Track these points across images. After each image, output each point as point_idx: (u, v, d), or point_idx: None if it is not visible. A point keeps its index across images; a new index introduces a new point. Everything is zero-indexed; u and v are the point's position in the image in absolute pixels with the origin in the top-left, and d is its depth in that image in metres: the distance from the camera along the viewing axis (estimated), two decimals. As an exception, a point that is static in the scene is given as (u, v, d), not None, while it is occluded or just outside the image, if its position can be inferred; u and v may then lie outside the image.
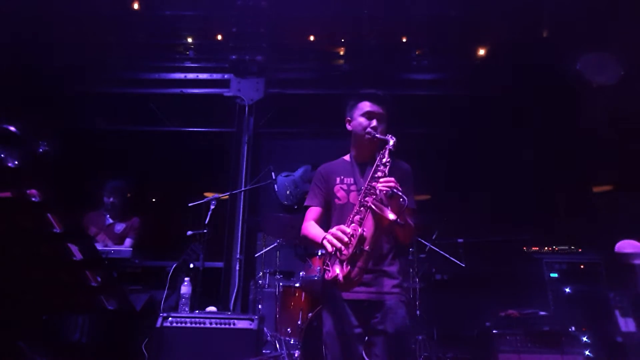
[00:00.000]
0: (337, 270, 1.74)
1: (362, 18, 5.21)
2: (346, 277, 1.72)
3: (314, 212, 2.19)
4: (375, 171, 1.96)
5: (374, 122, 2.13)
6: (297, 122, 5.76)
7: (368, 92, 2.20)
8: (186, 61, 5.66)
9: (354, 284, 1.77)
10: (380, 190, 1.81)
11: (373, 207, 1.73)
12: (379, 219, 1.72)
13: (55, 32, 5.02)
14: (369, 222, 1.75)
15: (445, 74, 5.62)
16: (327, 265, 1.83)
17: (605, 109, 4.87)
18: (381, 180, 1.85)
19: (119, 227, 4.26)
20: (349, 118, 2.24)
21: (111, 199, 4.24)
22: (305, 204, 2.24)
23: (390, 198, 1.79)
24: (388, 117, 2.20)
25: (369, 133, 2.11)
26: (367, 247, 1.73)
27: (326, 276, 1.83)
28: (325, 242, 1.83)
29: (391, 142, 2.01)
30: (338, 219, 2.08)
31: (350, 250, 1.72)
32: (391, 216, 1.70)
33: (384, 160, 1.96)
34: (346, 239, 1.76)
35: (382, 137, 2.07)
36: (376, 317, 1.99)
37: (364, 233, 1.73)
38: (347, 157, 2.30)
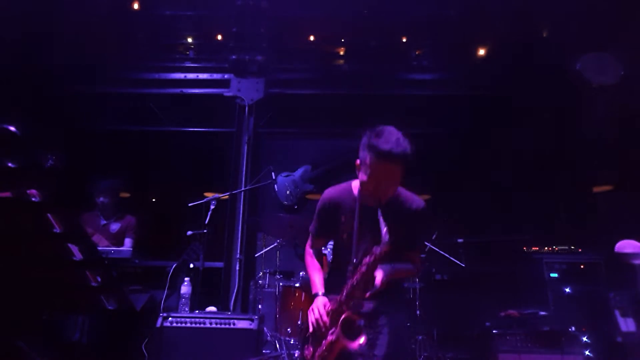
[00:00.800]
0: (311, 354, 1.96)
1: (362, 18, 5.20)
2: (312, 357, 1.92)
3: (317, 242, 2.25)
4: (358, 279, 1.83)
5: (381, 190, 1.87)
6: (297, 122, 5.76)
7: (380, 150, 1.79)
8: (186, 61, 5.66)
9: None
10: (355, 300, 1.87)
11: (339, 338, 1.80)
12: (342, 345, 1.81)
13: (56, 32, 5.02)
14: (339, 333, 1.82)
15: (445, 74, 5.61)
16: (307, 342, 2.04)
17: (605, 109, 4.87)
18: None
19: (114, 226, 4.25)
20: (358, 162, 1.94)
21: (102, 199, 4.23)
22: (310, 229, 2.23)
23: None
24: (402, 171, 1.88)
25: (369, 196, 1.91)
26: (333, 351, 1.85)
27: (303, 354, 2.04)
28: (308, 314, 1.97)
29: (378, 252, 1.75)
30: (344, 254, 2.04)
31: (322, 348, 1.88)
32: (355, 344, 1.79)
33: (363, 269, 1.80)
34: (322, 330, 1.89)
35: (382, 225, 1.79)
36: (375, 316, 1.99)
37: (333, 339, 1.84)
38: (354, 189, 2.07)
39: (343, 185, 2.14)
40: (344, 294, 1.86)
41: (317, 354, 1.90)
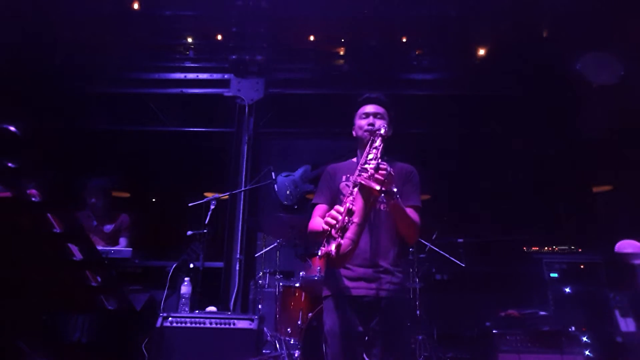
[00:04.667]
0: (332, 245, 1.74)
1: (362, 18, 5.20)
2: (337, 249, 1.71)
3: (320, 209, 2.22)
4: (368, 153, 2.00)
5: (370, 119, 2.21)
6: (297, 122, 5.76)
7: (364, 97, 2.30)
8: (186, 61, 5.66)
9: (346, 257, 1.77)
10: (369, 167, 1.86)
11: (361, 181, 1.80)
12: (366, 191, 1.79)
13: (56, 32, 5.02)
14: (358, 196, 1.82)
15: (445, 74, 5.62)
16: (324, 245, 1.81)
17: (605, 109, 4.87)
18: (370, 161, 1.92)
19: (108, 227, 4.19)
20: (353, 126, 2.32)
21: (92, 200, 4.12)
22: (313, 201, 2.28)
23: (377, 171, 1.84)
24: (390, 117, 2.28)
25: (367, 130, 2.17)
26: (356, 219, 1.77)
27: (320, 252, 1.81)
28: (323, 224, 1.85)
29: (382, 130, 2.04)
30: None
31: (340, 223, 1.75)
32: (377, 187, 1.77)
33: (376, 143, 2.01)
34: (339, 216, 1.79)
35: (378, 130, 2.08)
36: (376, 316, 1.99)
37: (353, 207, 1.79)
38: (354, 159, 2.33)
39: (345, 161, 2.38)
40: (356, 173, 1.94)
41: (337, 236, 1.74)
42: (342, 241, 1.73)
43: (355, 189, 1.84)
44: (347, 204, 1.80)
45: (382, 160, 1.91)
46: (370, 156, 1.97)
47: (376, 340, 1.99)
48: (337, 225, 1.76)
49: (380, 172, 1.84)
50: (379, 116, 2.24)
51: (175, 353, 3.06)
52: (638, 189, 4.68)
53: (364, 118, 2.25)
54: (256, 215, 5.17)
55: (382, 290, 2.02)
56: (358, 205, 1.80)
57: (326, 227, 1.80)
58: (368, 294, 2.01)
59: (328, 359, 2.03)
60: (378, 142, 2.01)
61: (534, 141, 5.46)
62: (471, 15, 5.09)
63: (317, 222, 2.12)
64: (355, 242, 1.77)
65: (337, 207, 1.85)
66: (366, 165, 1.90)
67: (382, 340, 1.97)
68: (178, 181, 5.87)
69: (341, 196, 2.00)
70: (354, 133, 2.32)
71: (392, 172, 1.87)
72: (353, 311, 2.01)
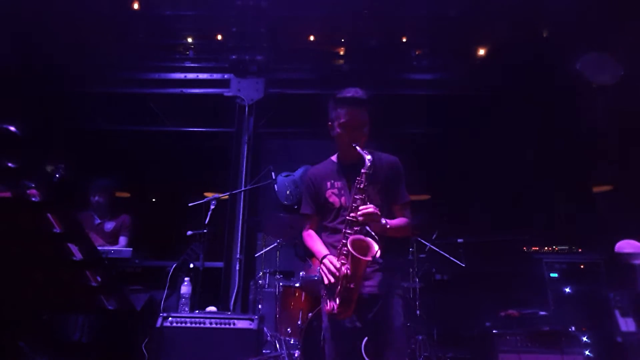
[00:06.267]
0: (333, 305, 1.96)
1: (362, 18, 5.20)
2: (339, 310, 1.93)
3: (310, 220, 2.28)
4: (354, 200, 2.01)
5: (352, 134, 2.11)
6: (297, 122, 5.76)
7: (344, 97, 2.14)
8: (186, 61, 5.65)
9: (348, 314, 1.94)
10: (361, 218, 1.93)
11: (352, 251, 1.86)
12: (357, 262, 1.87)
13: (56, 32, 5.02)
14: (352, 263, 1.89)
15: (445, 74, 5.61)
16: (324, 297, 2.07)
17: (605, 109, 4.87)
18: (360, 208, 1.94)
19: (109, 225, 4.25)
20: (330, 123, 2.23)
21: (97, 198, 4.23)
22: (301, 212, 2.29)
23: (371, 222, 1.95)
24: (369, 116, 2.17)
25: (350, 146, 2.10)
26: (352, 285, 1.90)
27: (323, 309, 2.06)
28: (321, 272, 2.02)
29: (367, 164, 2.00)
30: (333, 221, 2.17)
31: (339, 287, 1.92)
32: (369, 257, 1.86)
33: (361, 186, 2.00)
34: (337, 274, 1.93)
35: (362, 152, 2.04)
36: (373, 313, 2.01)
37: (348, 272, 1.89)
38: (334, 158, 2.31)
39: (322, 162, 2.35)
40: (344, 226, 2.01)
41: (337, 297, 1.93)
42: (343, 303, 1.92)
43: (349, 254, 1.88)
44: (344, 270, 1.91)
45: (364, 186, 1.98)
46: (358, 202, 1.99)
47: (373, 336, 2.02)
48: (335, 290, 1.94)
49: (374, 222, 1.93)
50: (361, 126, 2.13)
51: (175, 353, 3.06)
52: (638, 189, 4.68)
53: (345, 129, 2.12)
54: (256, 215, 5.17)
55: (378, 288, 2.04)
56: (351, 272, 1.89)
57: (326, 281, 1.98)
58: (367, 292, 2.02)
59: (327, 356, 2.05)
60: (363, 184, 1.99)
61: (533, 141, 5.46)
62: (471, 15, 5.08)
63: (313, 241, 2.23)
64: (353, 301, 1.92)
65: (334, 262, 1.97)
66: (354, 214, 1.96)
67: (380, 336, 1.99)
68: (178, 181, 5.86)
69: (339, 246, 2.02)
70: (331, 131, 2.22)
71: (379, 213, 1.94)
72: None
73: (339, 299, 1.91)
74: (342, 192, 2.17)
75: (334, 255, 2.03)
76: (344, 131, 2.12)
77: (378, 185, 2.10)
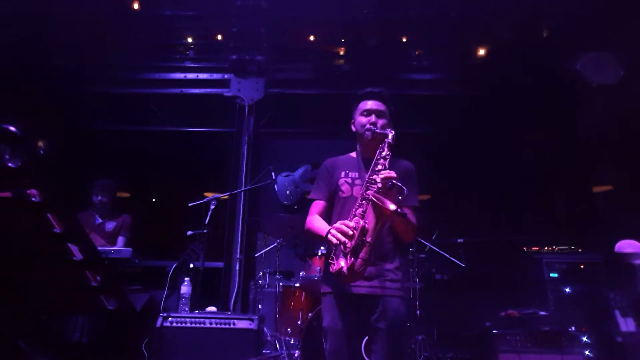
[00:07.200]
0: (342, 263, 1.79)
1: (362, 18, 5.19)
2: (350, 269, 1.77)
3: (318, 205, 2.21)
4: (375, 164, 2.00)
5: (373, 118, 2.17)
6: (297, 122, 5.76)
7: (365, 91, 2.26)
8: (186, 61, 5.66)
9: (358, 275, 1.81)
10: (380, 182, 1.84)
11: (374, 199, 1.77)
12: (379, 210, 1.75)
13: (56, 32, 5.02)
14: (371, 214, 1.79)
15: (445, 74, 5.61)
16: (332, 259, 1.88)
17: (605, 109, 4.87)
18: (381, 172, 1.90)
19: (110, 225, 4.26)
20: (352, 120, 2.30)
21: (99, 198, 4.23)
22: (310, 196, 2.26)
23: (389, 189, 1.82)
24: (390, 113, 2.25)
25: (368, 129, 2.14)
26: (369, 239, 1.76)
27: (331, 269, 1.87)
28: (329, 236, 1.89)
29: (390, 136, 2.04)
30: (340, 212, 2.13)
31: (353, 242, 1.77)
32: (392, 207, 1.73)
33: (384, 153, 2.01)
34: (350, 232, 1.80)
35: (381, 131, 2.10)
36: (375, 313, 2.00)
37: (366, 225, 1.78)
38: (353, 154, 2.32)
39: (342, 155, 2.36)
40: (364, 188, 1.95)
41: (349, 255, 1.77)
42: (355, 261, 1.76)
43: (368, 205, 1.81)
44: (361, 222, 1.79)
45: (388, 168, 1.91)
46: (379, 167, 1.96)
47: (374, 336, 2.00)
48: (349, 245, 1.78)
49: (393, 190, 1.81)
50: (381, 115, 2.20)
51: (175, 353, 3.06)
52: (638, 189, 4.68)
53: (365, 115, 2.20)
54: (256, 215, 5.17)
55: (381, 288, 2.02)
56: (370, 224, 1.78)
57: (335, 241, 1.84)
58: (368, 292, 2.01)
59: (327, 355, 2.04)
60: (385, 152, 1.99)
61: (534, 141, 5.46)
62: (471, 15, 5.08)
63: (316, 221, 2.12)
64: (368, 261, 1.78)
65: (347, 222, 1.86)
66: (377, 177, 1.88)
67: (380, 336, 1.98)
68: (178, 181, 5.86)
69: (354, 209, 1.94)
70: (352, 128, 2.29)
71: (404, 188, 1.80)
72: (352, 308, 2.02)
73: (352, 257, 1.76)
74: (356, 182, 2.16)
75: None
76: (365, 117, 2.19)
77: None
